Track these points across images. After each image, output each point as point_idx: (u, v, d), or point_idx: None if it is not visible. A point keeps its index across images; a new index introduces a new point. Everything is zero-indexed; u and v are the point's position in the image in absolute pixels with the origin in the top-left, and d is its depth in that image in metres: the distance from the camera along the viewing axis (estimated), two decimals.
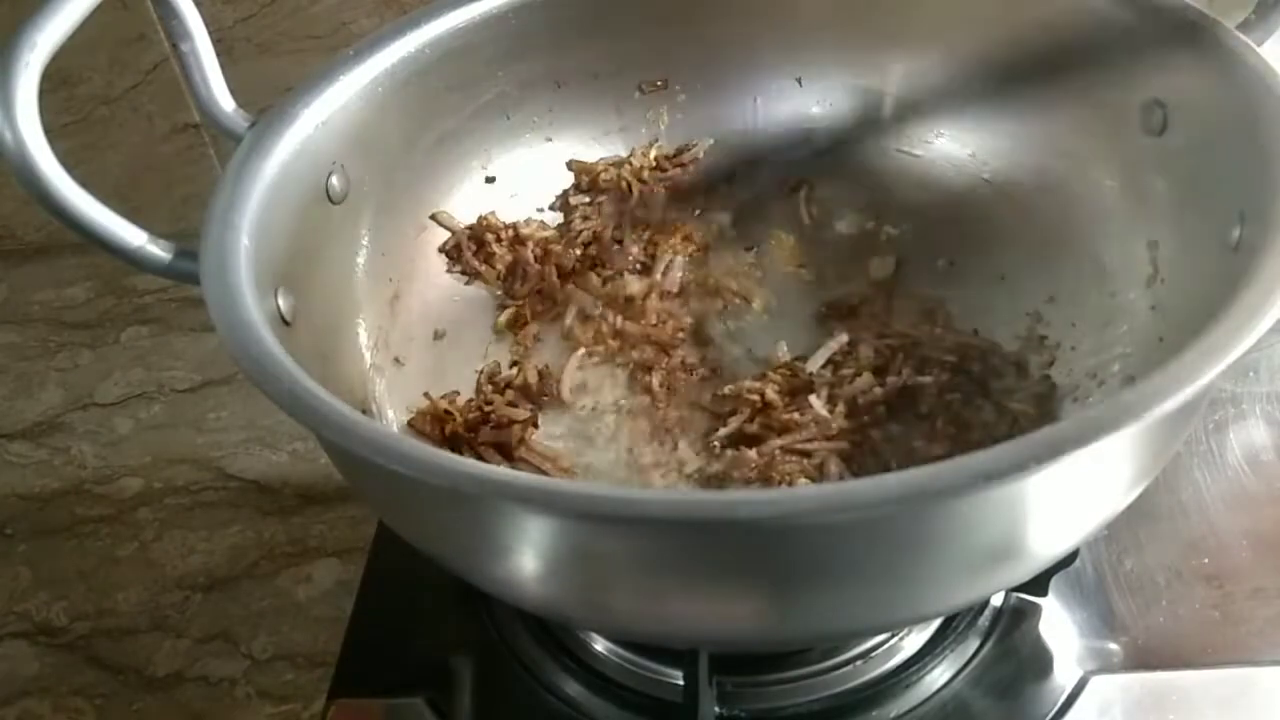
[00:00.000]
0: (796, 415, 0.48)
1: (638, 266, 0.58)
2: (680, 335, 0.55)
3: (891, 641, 0.48)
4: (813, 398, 0.49)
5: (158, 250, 0.39)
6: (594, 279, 0.57)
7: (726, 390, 0.50)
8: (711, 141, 0.59)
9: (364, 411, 0.47)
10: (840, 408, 0.48)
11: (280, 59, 0.78)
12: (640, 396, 0.53)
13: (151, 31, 0.76)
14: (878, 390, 0.49)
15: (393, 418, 0.49)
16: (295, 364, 0.34)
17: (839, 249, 0.57)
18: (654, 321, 0.55)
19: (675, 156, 0.59)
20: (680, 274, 0.58)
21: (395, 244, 0.52)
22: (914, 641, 0.48)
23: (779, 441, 0.48)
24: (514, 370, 0.54)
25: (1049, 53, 0.50)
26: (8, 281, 0.84)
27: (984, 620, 0.49)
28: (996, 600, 0.49)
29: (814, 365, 0.51)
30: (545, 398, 0.53)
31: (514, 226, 0.56)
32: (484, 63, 0.53)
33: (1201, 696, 0.46)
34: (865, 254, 0.56)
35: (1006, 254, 0.53)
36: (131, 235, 0.38)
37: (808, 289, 0.56)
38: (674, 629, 0.37)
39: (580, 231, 0.57)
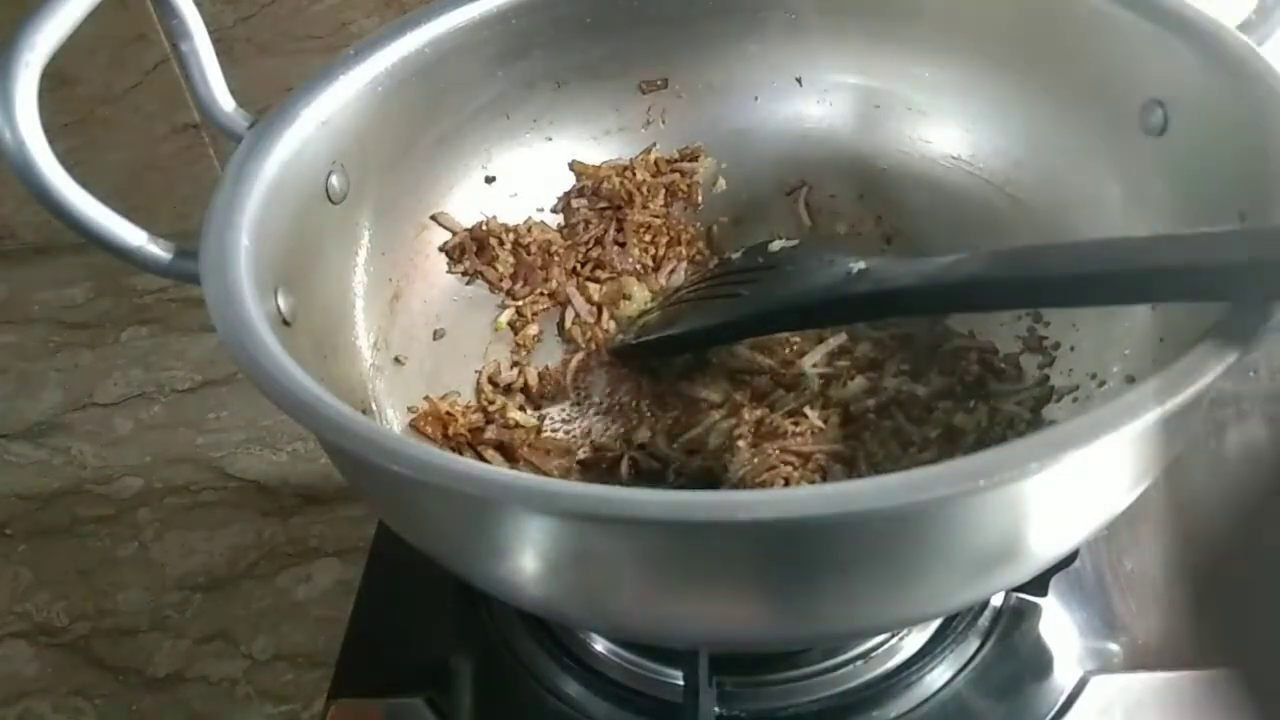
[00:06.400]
0: (791, 425, 0.48)
1: (639, 269, 0.58)
2: None
3: (891, 642, 0.48)
4: (808, 409, 0.49)
5: (158, 250, 0.39)
6: (595, 281, 0.57)
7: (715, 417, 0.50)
8: (715, 161, 0.59)
9: (364, 411, 0.47)
10: (834, 416, 0.49)
11: (280, 59, 0.78)
12: (640, 397, 0.53)
13: (151, 31, 0.76)
14: (870, 401, 0.49)
15: (393, 418, 0.49)
16: (295, 364, 0.34)
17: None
18: None
19: (677, 160, 0.59)
20: (682, 276, 0.58)
21: (395, 244, 0.52)
22: (914, 642, 0.48)
23: (776, 443, 0.48)
24: (514, 371, 0.54)
25: (1049, 52, 0.50)
26: (8, 281, 0.84)
27: (984, 620, 0.49)
28: (996, 600, 0.49)
29: (810, 362, 0.51)
30: (546, 399, 0.53)
31: (515, 230, 0.56)
32: (484, 63, 0.53)
33: (1201, 696, 0.46)
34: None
35: None
36: (131, 235, 0.38)
37: None
38: (674, 629, 0.37)
39: (582, 234, 0.58)
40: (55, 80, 0.77)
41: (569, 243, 0.57)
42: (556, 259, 0.57)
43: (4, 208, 0.84)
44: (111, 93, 0.79)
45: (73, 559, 0.63)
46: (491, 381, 0.53)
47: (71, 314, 0.81)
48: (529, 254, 0.56)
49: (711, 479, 0.48)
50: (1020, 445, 0.29)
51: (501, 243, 0.55)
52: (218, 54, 0.44)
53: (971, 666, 0.47)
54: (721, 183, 0.60)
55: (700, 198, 0.59)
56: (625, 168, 0.58)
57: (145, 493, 0.66)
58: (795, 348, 0.52)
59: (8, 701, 0.56)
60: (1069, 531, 0.36)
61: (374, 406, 0.48)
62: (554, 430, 0.52)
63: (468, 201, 0.56)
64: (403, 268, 0.53)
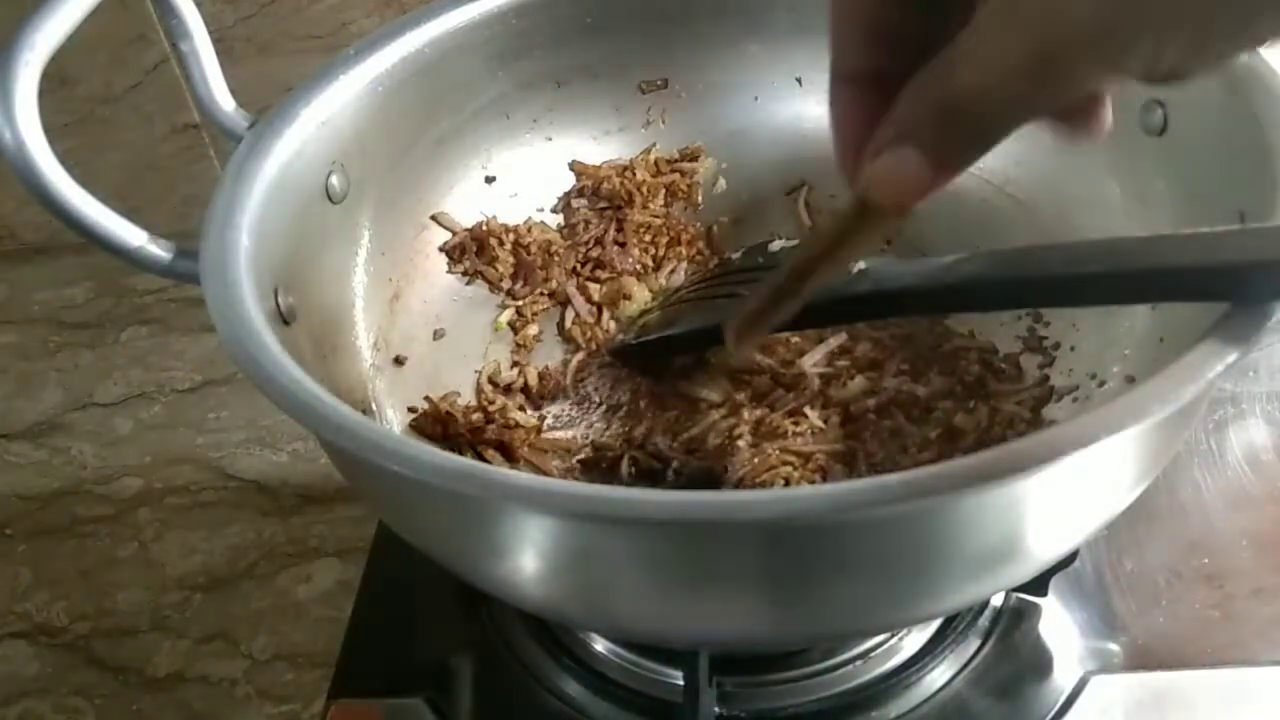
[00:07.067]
0: (791, 425, 0.48)
1: (639, 269, 0.58)
2: None
3: (891, 641, 0.48)
4: (808, 409, 0.49)
5: (158, 250, 0.39)
6: (595, 281, 0.57)
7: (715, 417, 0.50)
8: (715, 161, 0.59)
9: (364, 411, 0.47)
10: (834, 416, 0.49)
11: (280, 59, 0.78)
12: (640, 397, 0.53)
13: (151, 31, 0.76)
14: (870, 401, 0.49)
15: (393, 418, 0.49)
16: (295, 364, 0.34)
17: None
18: None
19: (677, 160, 0.59)
20: (682, 276, 0.58)
21: (395, 244, 0.52)
22: (914, 641, 0.48)
23: (776, 443, 0.48)
24: (514, 371, 0.54)
25: None
26: (8, 281, 0.84)
27: (984, 620, 0.49)
28: (996, 600, 0.49)
29: (810, 362, 0.51)
30: (546, 399, 0.53)
31: (515, 230, 0.56)
32: (484, 63, 0.53)
33: (1201, 696, 0.46)
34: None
35: None
36: (131, 235, 0.38)
37: None
38: (674, 629, 0.37)
39: (582, 234, 0.58)
40: (55, 80, 0.77)
41: (569, 243, 0.57)
42: (556, 259, 0.57)
43: (4, 208, 0.84)
44: (111, 93, 0.79)
45: (73, 559, 0.63)
46: (491, 381, 0.53)
47: (71, 314, 0.81)
48: (529, 254, 0.56)
49: (711, 479, 0.48)
50: (1020, 445, 0.29)
51: (501, 243, 0.55)
52: (218, 54, 0.44)
53: (971, 666, 0.47)
54: (721, 183, 0.60)
55: (700, 198, 0.59)
56: (625, 168, 0.58)
57: (145, 493, 0.66)
58: (795, 347, 0.52)
59: (8, 701, 0.56)
60: (1069, 531, 0.36)
61: (374, 406, 0.48)
62: (554, 430, 0.52)
63: (468, 201, 0.56)
64: (403, 268, 0.53)
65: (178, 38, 0.44)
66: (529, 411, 0.52)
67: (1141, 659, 0.47)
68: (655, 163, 0.59)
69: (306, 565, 0.61)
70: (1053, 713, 0.46)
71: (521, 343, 0.55)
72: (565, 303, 0.57)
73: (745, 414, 0.49)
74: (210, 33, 0.44)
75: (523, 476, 0.31)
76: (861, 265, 0.45)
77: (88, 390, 0.74)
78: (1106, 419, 0.29)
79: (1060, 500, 0.33)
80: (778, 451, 0.47)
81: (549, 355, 0.56)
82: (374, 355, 0.50)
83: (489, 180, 0.57)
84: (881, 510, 0.28)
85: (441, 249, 0.55)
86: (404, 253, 0.53)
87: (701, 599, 0.34)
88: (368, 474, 0.36)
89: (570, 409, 0.53)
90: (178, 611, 0.59)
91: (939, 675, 0.47)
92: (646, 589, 0.34)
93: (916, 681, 0.47)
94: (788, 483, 0.46)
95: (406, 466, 0.30)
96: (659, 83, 0.58)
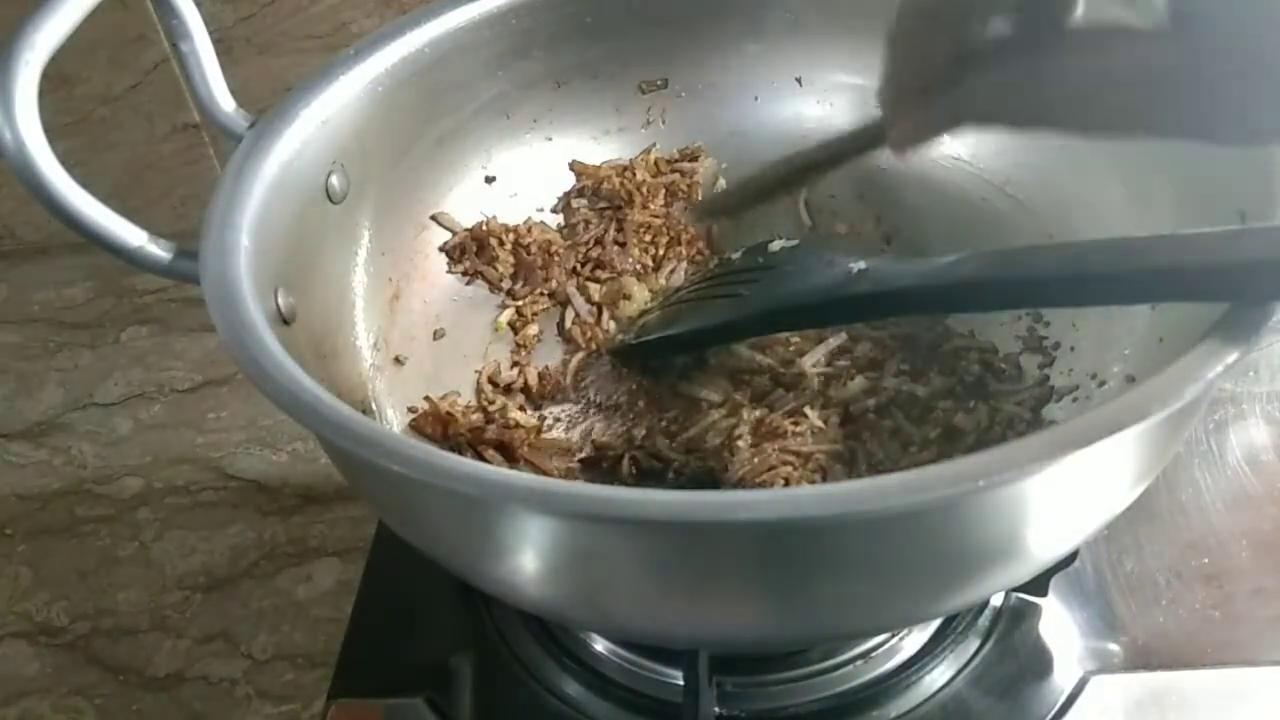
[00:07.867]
0: (791, 425, 0.48)
1: (639, 269, 0.58)
2: None
3: (891, 642, 0.48)
4: (808, 409, 0.49)
5: (158, 250, 0.39)
6: (595, 281, 0.57)
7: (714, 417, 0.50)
8: (715, 162, 0.59)
9: (364, 411, 0.47)
10: (834, 416, 0.49)
11: (280, 59, 0.78)
12: (639, 397, 0.53)
13: (151, 31, 0.76)
14: (870, 401, 0.49)
15: (393, 418, 0.49)
16: (295, 364, 0.34)
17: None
18: None
19: (677, 160, 0.59)
20: (682, 276, 0.58)
21: (395, 244, 0.52)
22: (914, 641, 0.48)
23: (776, 443, 0.48)
24: (514, 371, 0.54)
25: None
26: (8, 281, 0.84)
27: (984, 620, 0.49)
28: (996, 600, 0.49)
29: (810, 362, 0.51)
30: (546, 399, 0.53)
31: (515, 230, 0.56)
32: (484, 63, 0.53)
33: (1201, 696, 0.46)
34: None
35: None
36: (131, 235, 0.38)
37: None
38: (674, 629, 0.37)
39: (582, 234, 0.58)
40: (55, 80, 0.77)
41: (569, 243, 0.57)
42: (556, 259, 0.57)
43: (4, 208, 0.84)
44: (111, 93, 0.79)
45: (73, 559, 0.63)
46: (491, 381, 0.53)
47: (71, 314, 0.81)
48: (529, 254, 0.56)
49: (712, 479, 0.48)
50: (1020, 445, 0.29)
51: (501, 243, 0.55)
52: (218, 54, 0.44)
53: (971, 666, 0.47)
54: (721, 183, 0.60)
55: (700, 198, 0.59)
56: (625, 168, 0.58)
57: (145, 493, 0.66)
58: (795, 347, 0.52)
59: (8, 701, 0.56)
60: (1069, 531, 0.36)
61: (374, 406, 0.48)
62: (554, 430, 0.52)
63: (468, 201, 0.56)
64: (403, 268, 0.53)
65: (178, 38, 0.44)
66: (529, 411, 0.52)
67: (1141, 659, 0.47)
68: (655, 163, 0.59)
69: (306, 565, 0.61)
70: (1053, 713, 0.46)
71: (521, 343, 0.55)
72: (565, 303, 0.57)
73: (745, 414, 0.49)
74: (210, 33, 0.44)
75: (523, 476, 0.31)
76: (861, 265, 0.45)
77: (88, 390, 0.74)
78: (1106, 419, 0.29)
79: (1060, 500, 0.33)
80: (778, 451, 0.47)
81: (549, 355, 0.56)
82: (374, 355, 0.50)
83: (489, 180, 0.57)
84: (881, 510, 0.28)
85: (441, 249, 0.55)
86: (404, 253, 0.53)
87: (701, 599, 0.34)
88: (368, 474, 0.36)
89: (570, 409, 0.53)
90: (178, 611, 0.59)
91: (939, 675, 0.47)
92: (646, 589, 0.34)
93: (916, 681, 0.47)
94: (788, 483, 0.46)
95: (406, 466, 0.30)
96: (659, 83, 0.58)
